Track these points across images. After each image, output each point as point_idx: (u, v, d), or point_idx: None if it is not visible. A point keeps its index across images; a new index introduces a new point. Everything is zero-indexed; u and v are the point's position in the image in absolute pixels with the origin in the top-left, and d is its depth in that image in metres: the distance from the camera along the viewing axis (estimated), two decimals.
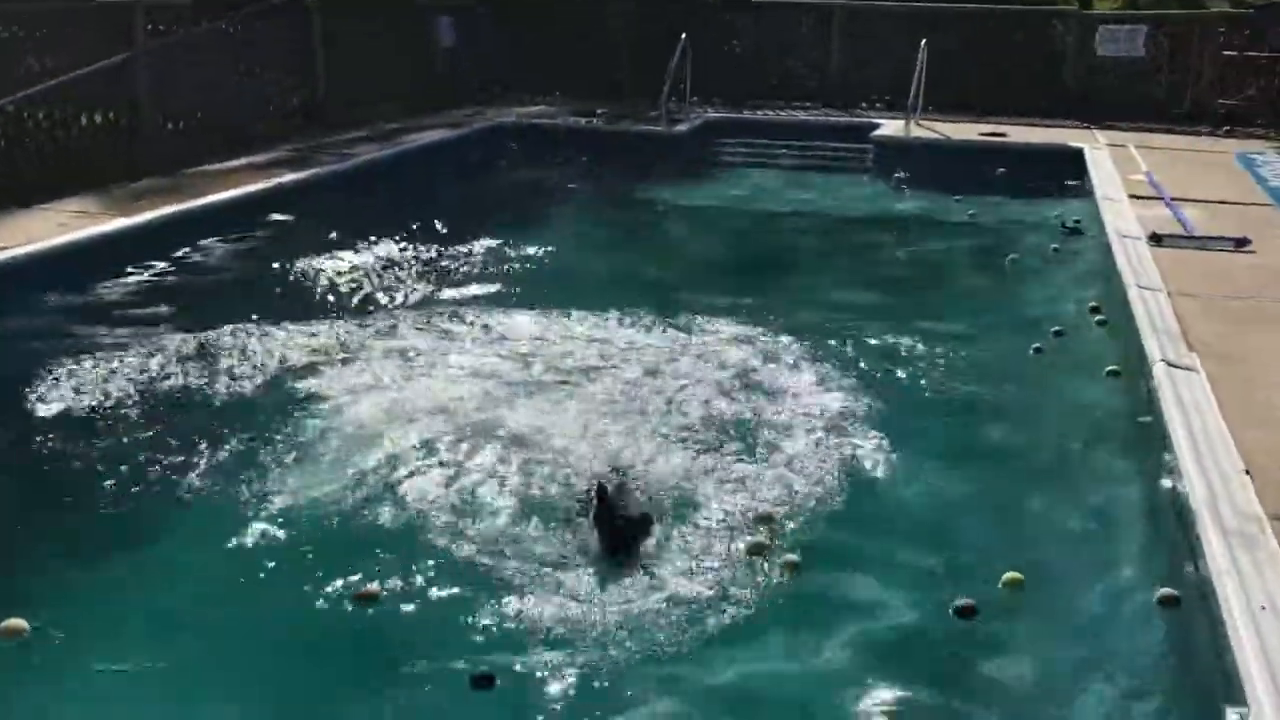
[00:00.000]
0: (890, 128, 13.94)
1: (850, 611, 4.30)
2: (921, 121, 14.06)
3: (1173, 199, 10.11)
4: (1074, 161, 12.30)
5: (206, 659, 3.97)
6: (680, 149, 13.79)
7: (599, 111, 15.19)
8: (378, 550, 4.56)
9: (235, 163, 11.07)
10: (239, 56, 12.52)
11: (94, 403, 6.09)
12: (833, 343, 7.11)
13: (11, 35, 9.85)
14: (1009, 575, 4.40)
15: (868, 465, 5.46)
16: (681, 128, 14.19)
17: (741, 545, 4.61)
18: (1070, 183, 11.78)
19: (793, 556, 4.53)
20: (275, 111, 13.15)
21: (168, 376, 6.46)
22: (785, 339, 7.17)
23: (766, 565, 4.51)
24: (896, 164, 13.00)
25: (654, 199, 12.03)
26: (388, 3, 15.28)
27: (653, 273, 8.76)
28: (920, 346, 7.17)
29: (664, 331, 7.33)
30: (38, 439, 5.63)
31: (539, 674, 3.83)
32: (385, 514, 4.88)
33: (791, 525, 4.84)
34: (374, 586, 4.24)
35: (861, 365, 6.79)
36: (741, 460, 5.45)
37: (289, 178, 10.50)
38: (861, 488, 5.25)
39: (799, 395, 6.29)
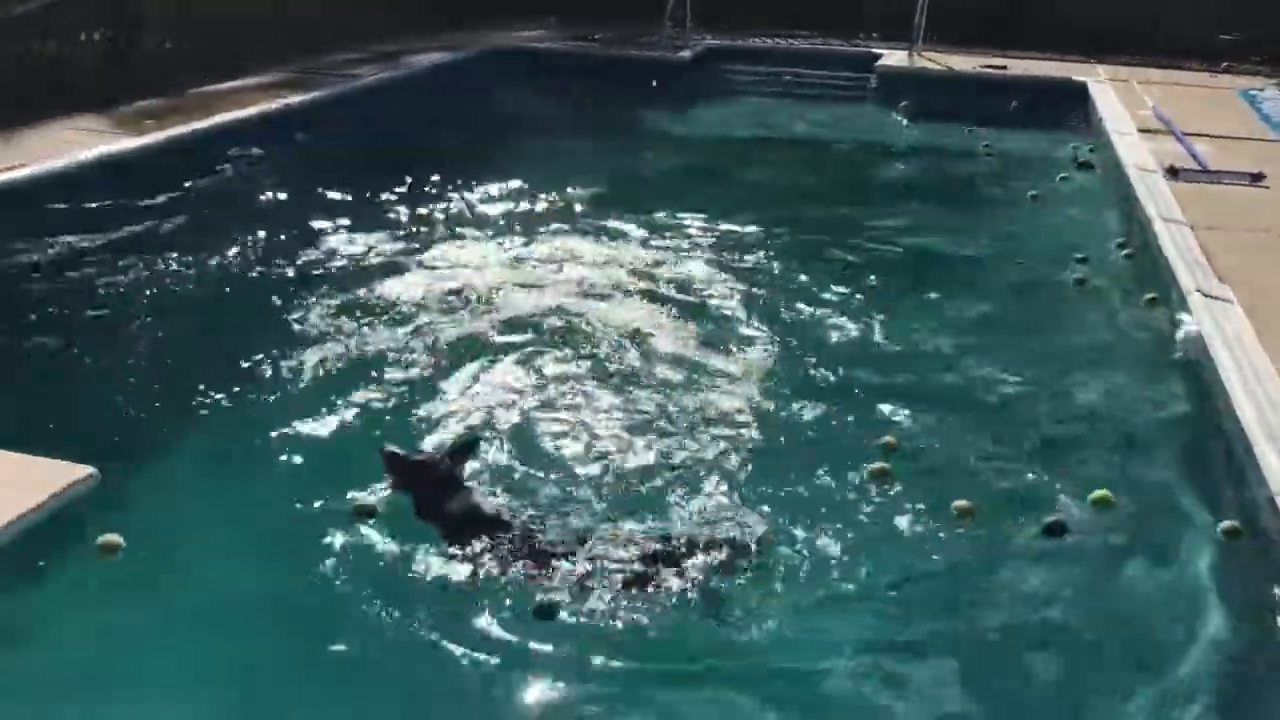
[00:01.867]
0: (893, 58, 13.89)
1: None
2: (924, 53, 14.01)
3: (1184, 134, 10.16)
4: (1079, 95, 12.31)
5: None
6: (682, 76, 13.67)
7: (595, 37, 14.99)
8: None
9: (234, 84, 10.87)
10: None
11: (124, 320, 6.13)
12: (843, 271, 7.20)
13: None
14: (1098, 493, 4.48)
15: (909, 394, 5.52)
16: (684, 54, 14.05)
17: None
18: (1076, 117, 11.80)
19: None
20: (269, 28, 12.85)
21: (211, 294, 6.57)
22: (798, 269, 7.26)
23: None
24: (900, 94, 12.96)
25: (657, 127, 11.91)
26: None
27: (656, 203, 8.64)
28: (950, 281, 7.21)
29: (666, 262, 7.29)
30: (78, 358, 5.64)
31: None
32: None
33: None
34: (372, 499, 4.14)
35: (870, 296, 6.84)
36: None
37: (296, 99, 10.33)
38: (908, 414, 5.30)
39: (822, 325, 6.37)
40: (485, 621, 3.68)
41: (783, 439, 5.03)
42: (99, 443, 4.53)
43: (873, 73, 13.51)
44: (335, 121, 10.42)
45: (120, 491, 4.14)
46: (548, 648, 3.60)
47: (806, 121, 12.55)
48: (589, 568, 3.87)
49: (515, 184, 9.05)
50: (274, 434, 4.81)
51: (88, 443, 4.42)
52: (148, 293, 6.50)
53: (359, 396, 5.20)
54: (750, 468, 4.72)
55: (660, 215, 8.32)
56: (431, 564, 3.89)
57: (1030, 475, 4.81)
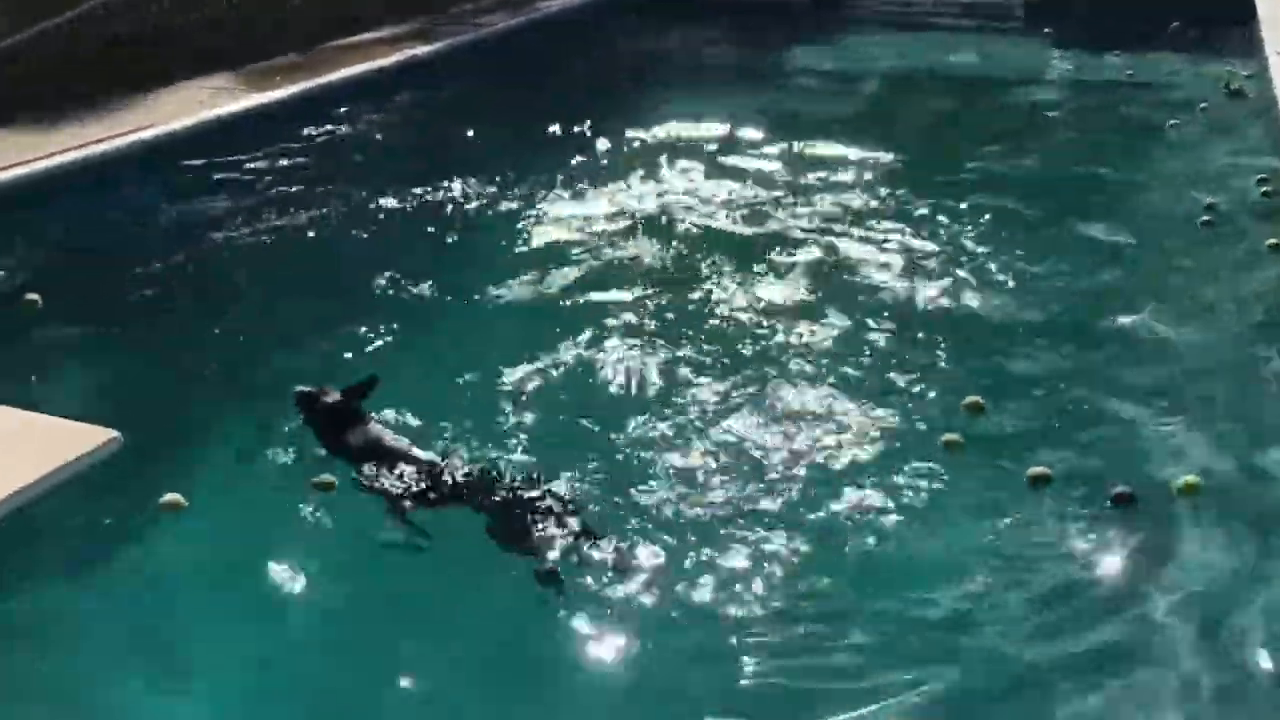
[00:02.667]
0: None
1: None
2: None
3: None
4: (1245, 13, 11.39)
5: None
6: (821, 8, 13.28)
7: None
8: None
9: (365, 36, 11.10)
10: None
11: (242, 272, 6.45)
12: (983, 214, 6.94)
13: None
14: (1188, 479, 4.23)
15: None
16: None
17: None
18: (1238, 39, 10.95)
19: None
20: None
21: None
22: (922, 203, 7.14)
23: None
24: (1047, 18, 12.27)
25: (792, 63, 11.62)
26: None
27: (787, 144, 8.51)
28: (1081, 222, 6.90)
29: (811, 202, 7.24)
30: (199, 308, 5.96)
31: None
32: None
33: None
34: (329, 477, 4.20)
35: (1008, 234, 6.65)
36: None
37: (425, 49, 10.48)
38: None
39: (941, 261, 6.31)
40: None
41: (881, 375, 5.11)
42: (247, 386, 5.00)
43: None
44: (467, 70, 10.55)
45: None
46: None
47: (942, 53, 12.03)
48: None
49: (642, 129, 9.00)
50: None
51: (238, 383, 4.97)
52: (277, 246, 6.77)
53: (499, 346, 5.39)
54: (844, 406, 4.80)
55: (791, 155, 8.27)
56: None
57: (1113, 439, 4.60)
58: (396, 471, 4.16)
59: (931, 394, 4.92)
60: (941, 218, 6.94)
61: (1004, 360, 5.33)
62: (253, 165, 7.97)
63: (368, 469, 4.19)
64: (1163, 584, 3.79)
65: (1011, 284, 6.08)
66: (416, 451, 4.28)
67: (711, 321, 5.71)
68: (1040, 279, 6.14)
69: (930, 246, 6.54)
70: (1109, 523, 4.06)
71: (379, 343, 5.45)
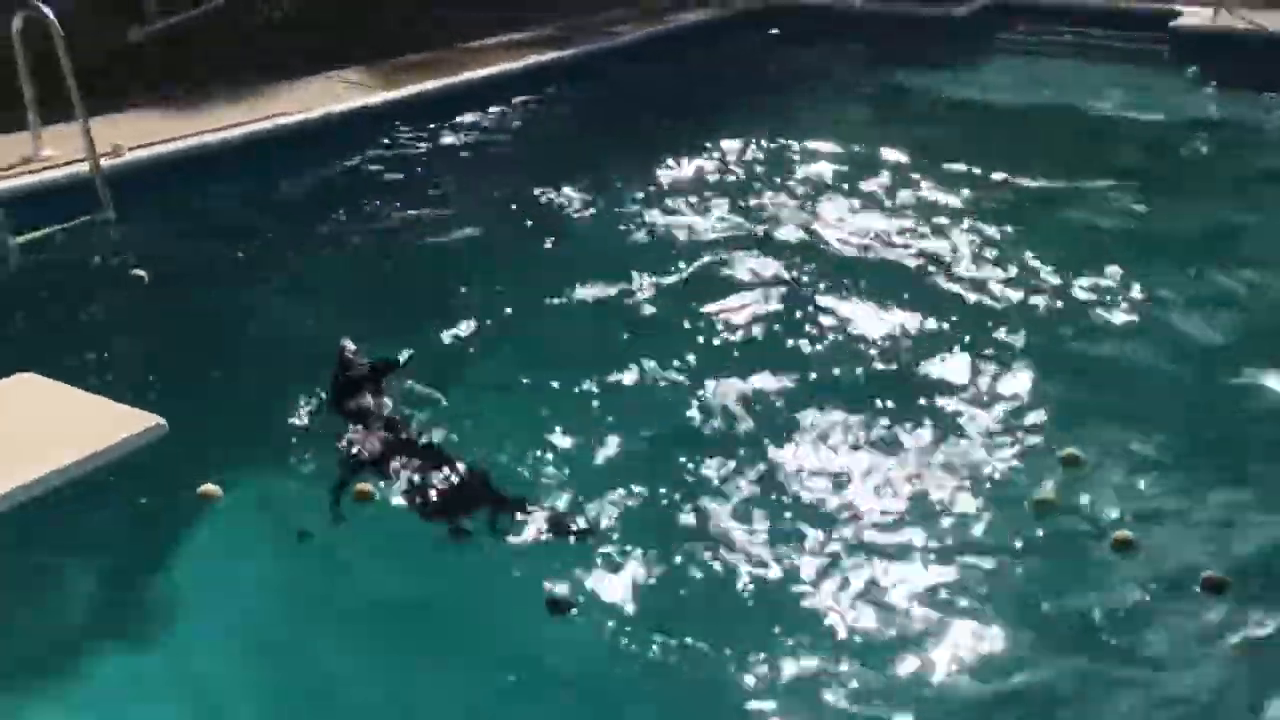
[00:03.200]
0: (1195, 17, 12.63)
1: None
2: (1234, 10, 12.65)
3: None
4: None
5: None
6: (958, 33, 13.03)
7: None
8: None
9: (503, 38, 11.35)
10: None
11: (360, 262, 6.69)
12: (1131, 264, 6.59)
13: None
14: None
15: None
16: (960, 10, 13.38)
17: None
18: None
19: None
20: None
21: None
22: (1053, 241, 6.94)
23: None
24: (1199, 58, 11.78)
25: (925, 88, 11.38)
26: None
27: (917, 167, 8.36)
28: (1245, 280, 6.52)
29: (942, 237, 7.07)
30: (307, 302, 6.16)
31: None
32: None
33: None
34: (368, 486, 4.29)
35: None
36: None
37: (553, 54, 10.66)
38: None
39: (1068, 302, 6.14)
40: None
41: (988, 415, 5.00)
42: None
43: (1167, 32, 12.35)
44: (593, 78, 10.71)
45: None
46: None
47: (1087, 86, 11.61)
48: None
49: (767, 144, 8.95)
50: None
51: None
52: (382, 241, 6.99)
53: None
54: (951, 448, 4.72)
55: (913, 180, 8.12)
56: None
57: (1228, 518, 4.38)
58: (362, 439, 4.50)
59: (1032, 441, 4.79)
60: (1062, 257, 6.68)
61: (1120, 413, 5.05)
62: (367, 160, 8.27)
63: (351, 431, 4.55)
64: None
65: (1139, 330, 5.85)
66: (403, 428, 4.59)
67: (814, 347, 5.65)
68: (1171, 328, 5.89)
69: (1050, 283, 6.34)
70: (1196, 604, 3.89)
71: (462, 342, 5.60)
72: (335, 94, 9.02)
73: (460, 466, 4.33)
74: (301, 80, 9.38)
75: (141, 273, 6.11)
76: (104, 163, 6.92)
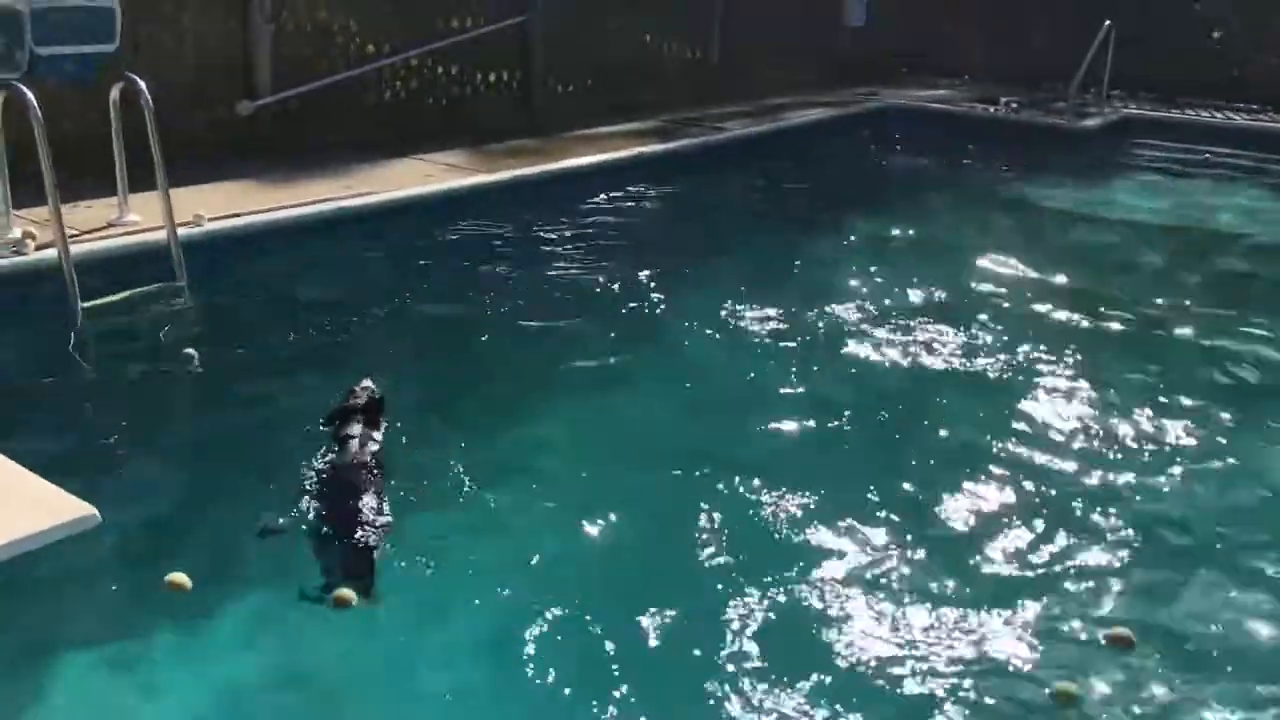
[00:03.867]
0: None
1: None
2: None
3: None
4: None
5: None
6: (1084, 147, 12.52)
7: (1005, 100, 14.13)
8: None
9: (610, 128, 11.31)
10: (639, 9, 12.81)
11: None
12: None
13: None
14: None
15: None
16: (1089, 123, 12.89)
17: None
18: None
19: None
20: (664, 74, 13.36)
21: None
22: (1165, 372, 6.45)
23: None
24: None
25: (1042, 201, 10.86)
26: None
27: (1031, 283, 7.93)
28: None
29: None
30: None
31: None
32: None
33: None
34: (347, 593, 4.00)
35: None
36: None
37: (650, 148, 10.54)
38: None
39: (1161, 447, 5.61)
40: None
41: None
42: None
43: None
44: (698, 170, 10.52)
45: None
46: None
47: (1224, 208, 10.99)
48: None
49: (873, 250, 8.65)
50: None
51: None
52: (476, 319, 6.89)
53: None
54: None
55: (1031, 295, 7.75)
56: None
57: None
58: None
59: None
60: (1174, 390, 6.21)
61: (1191, 579, 4.52)
62: (448, 244, 8.19)
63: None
64: None
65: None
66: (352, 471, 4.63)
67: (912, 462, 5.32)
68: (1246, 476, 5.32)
69: (1161, 424, 5.81)
70: None
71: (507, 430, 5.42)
72: (425, 175, 9.02)
73: (367, 523, 4.26)
74: (400, 160, 9.42)
75: (192, 351, 6.01)
76: (182, 232, 6.95)
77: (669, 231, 9.07)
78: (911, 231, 9.33)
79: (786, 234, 8.91)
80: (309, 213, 7.66)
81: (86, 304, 6.37)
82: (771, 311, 7.15)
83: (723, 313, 7.11)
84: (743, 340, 6.81)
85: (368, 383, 5.19)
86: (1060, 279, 8.16)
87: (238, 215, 7.48)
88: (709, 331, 6.89)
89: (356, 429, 4.85)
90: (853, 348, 6.73)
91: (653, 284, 7.55)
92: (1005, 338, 6.90)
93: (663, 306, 7.25)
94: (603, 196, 9.64)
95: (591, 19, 12.22)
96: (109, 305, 6.46)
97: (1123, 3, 13.61)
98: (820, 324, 7.07)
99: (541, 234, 8.68)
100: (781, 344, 6.74)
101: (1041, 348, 6.75)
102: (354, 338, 6.57)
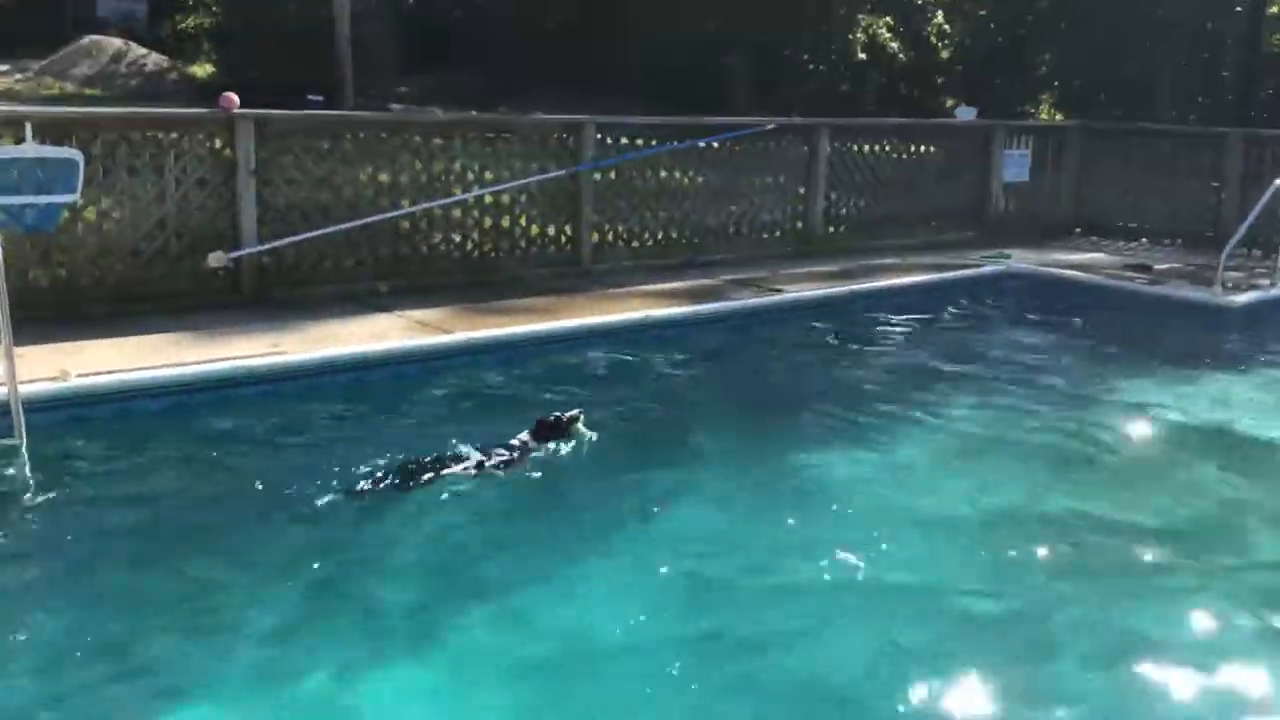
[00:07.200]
0: None
1: None
2: None
3: None
4: None
5: None
6: (1226, 327, 10.42)
7: (1155, 267, 12.22)
8: None
9: (652, 287, 10.50)
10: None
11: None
12: None
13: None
14: None
15: None
16: (1239, 298, 10.75)
17: None
18: None
19: None
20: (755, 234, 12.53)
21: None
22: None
23: None
24: None
25: (1156, 398, 8.42)
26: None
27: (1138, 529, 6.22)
28: None
29: None
30: None
31: None
32: None
33: None
34: None
35: None
36: None
37: (662, 311, 9.58)
38: None
39: None
40: None
41: None
42: None
43: None
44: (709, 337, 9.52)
45: None
46: None
47: None
48: None
49: (942, 436, 7.49)
50: None
51: None
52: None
53: None
54: None
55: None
56: None
57: None
58: None
59: None
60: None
61: None
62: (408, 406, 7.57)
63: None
64: None
65: None
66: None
67: None
68: None
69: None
70: None
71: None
72: (380, 332, 8.50)
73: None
74: (369, 316, 8.99)
75: None
76: (38, 388, 6.73)
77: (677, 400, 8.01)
78: (988, 417, 7.85)
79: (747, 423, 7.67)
80: (188, 373, 7.25)
81: None
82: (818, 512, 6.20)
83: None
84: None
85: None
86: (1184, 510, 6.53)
87: (113, 372, 7.19)
88: None
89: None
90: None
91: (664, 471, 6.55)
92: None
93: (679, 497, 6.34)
94: (586, 355, 8.74)
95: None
96: None
97: None
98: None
99: (488, 398, 7.86)
100: None
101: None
102: (217, 521, 5.88)
